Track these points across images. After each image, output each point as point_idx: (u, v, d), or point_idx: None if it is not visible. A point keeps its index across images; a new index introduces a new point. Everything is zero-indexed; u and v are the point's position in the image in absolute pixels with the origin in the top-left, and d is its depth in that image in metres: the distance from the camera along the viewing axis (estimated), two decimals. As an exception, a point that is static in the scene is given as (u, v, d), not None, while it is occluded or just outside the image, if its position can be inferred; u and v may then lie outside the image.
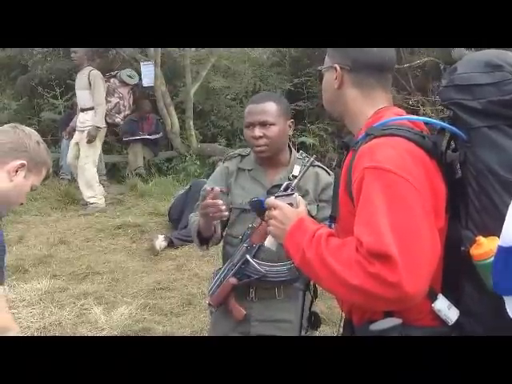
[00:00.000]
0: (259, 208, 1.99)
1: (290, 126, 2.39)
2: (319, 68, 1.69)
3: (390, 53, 1.61)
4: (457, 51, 6.93)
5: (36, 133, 1.88)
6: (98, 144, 6.89)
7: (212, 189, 2.13)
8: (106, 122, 6.93)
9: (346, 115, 1.63)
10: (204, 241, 2.34)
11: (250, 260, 2.25)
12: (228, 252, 2.39)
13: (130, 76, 7.39)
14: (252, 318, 2.34)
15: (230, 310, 2.33)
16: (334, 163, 1.96)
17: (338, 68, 1.59)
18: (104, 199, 6.93)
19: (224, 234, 2.45)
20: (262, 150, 2.32)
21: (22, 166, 1.77)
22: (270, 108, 2.32)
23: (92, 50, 7.12)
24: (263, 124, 2.29)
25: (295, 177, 2.25)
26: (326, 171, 2.43)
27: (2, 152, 1.76)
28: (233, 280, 2.29)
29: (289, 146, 2.45)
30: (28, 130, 1.87)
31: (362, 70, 1.57)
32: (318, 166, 2.41)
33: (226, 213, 2.17)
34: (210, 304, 2.44)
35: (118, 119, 7.22)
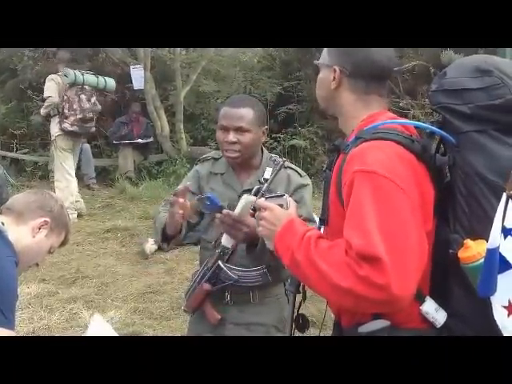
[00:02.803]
0: (212, 205, 2.09)
1: (263, 133, 2.34)
2: (316, 62, 1.67)
3: (390, 60, 1.60)
4: (446, 55, 6.98)
5: (61, 198, 2.08)
6: (62, 154, 6.55)
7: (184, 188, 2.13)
8: (62, 130, 6.46)
9: (340, 116, 1.63)
10: (166, 238, 2.30)
11: (223, 266, 2.23)
12: (204, 256, 2.37)
13: (65, 75, 6.51)
14: (227, 321, 2.32)
15: (205, 315, 2.31)
16: (325, 166, 1.95)
17: (338, 70, 1.58)
18: (76, 214, 6.52)
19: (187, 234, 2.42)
20: (233, 156, 2.28)
21: (46, 223, 1.88)
22: (246, 114, 2.26)
23: (71, 54, 6.93)
24: (238, 130, 2.25)
25: (266, 180, 2.23)
26: (298, 173, 2.39)
27: (29, 209, 1.88)
28: (206, 286, 2.25)
29: (261, 148, 2.41)
30: (54, 194, 2.09)
31: (361, 77, 1.57)
32: (290, 168, 2.37)
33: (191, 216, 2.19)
34: (185, 310, 2.42)
35: (66, 124, 6.42)
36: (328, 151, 7.71)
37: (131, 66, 8.22)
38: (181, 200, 2.10)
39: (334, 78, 1.58)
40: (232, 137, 2.25)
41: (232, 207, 2.27)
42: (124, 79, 8.66)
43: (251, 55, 8.98)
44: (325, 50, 1.66)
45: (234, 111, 2.27)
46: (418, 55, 7.76)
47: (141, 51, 8.24)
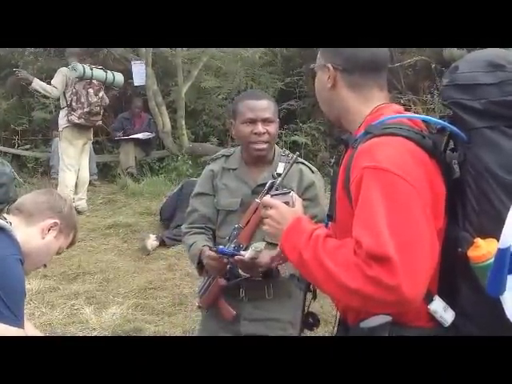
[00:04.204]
0: (224, 255, 2.17)
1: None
2: (311, 66, 1.65)
3: (382, 51, 1.58)
4: (448, 51, 6.97)
5: (70, 199, 2.06)
6: (65, 145, 6.63)
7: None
8: (68, 121, 6.52)
9: (343, 115, 1.59)
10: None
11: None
12: None
13: (73, 69, 6.53)
14: (242, 317, 2.32)
15: (219, 311, 2.31)
16: (333, 161, 1.93)
17: (331, 68, 1.55)
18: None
19: None
20: (263, 147, 2.31)
21: (55, 224, 1.88)
22: (269, 105, 2.34)
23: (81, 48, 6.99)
24: (265, 121, 2.30)
25: (279, 175, 2.25)
26: (310, 168, 2.42)
27: (39, 210, 1.88)
28: (221, 281, 2.27)
29: None
30: (63, 195, 2.09)
31: (356, 71, 1.53)
32: (302, 163, 2.40)
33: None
34: (199, 306, 2.42)
35: (73, 117, 6.49)
36: (337, 144, 7.65)
37: (132, 62, 8.18)
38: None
39: (329, 76, 1.55)
40: (261, 128, 2.29)
41: (245, 203, 2.31)
42: (126, 75, 8.64)
43: (253, 51, 8.93)
44: (318, 53, 1.63)
45: (258, 103, 2.32)
46: (420, 51, 7.74)
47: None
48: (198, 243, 2.34)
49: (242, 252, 2.15)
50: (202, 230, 2.40)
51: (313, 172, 2.41)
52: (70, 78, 6.55)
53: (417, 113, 6.58)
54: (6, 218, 1.80)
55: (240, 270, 2.23)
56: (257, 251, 2.09)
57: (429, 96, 7.37)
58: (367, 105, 1.54)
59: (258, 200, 2.21)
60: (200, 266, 2.34)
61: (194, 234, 2.40)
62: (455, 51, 6.92)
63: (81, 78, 6.52)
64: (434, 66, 7.41)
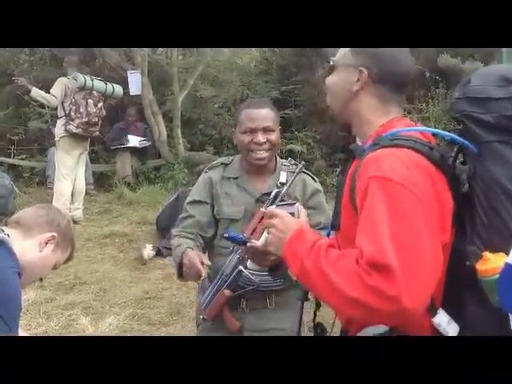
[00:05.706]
0: (234, 242, 2.08)
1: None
2: (332, 61, 1.62)
3: (413, 68, 1.60)
4: (442, 59, 7.01)
5: (69, 214, 2.07)
6: (61, 155, 6.63)
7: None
8: (66, 131, 6.54)
9: (355, 121, 1.59)
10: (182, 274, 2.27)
11: (244, 271, 2.21)
12: (218, 262, 2.34)
13: (74, 78, 6.58)
14: (244, 328, 2.31)
15: (224, 322, 2.28)
16: (338, 170, 1.93)
17: (366, 72, 1.54)
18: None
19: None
20: (263, 156, 2.30)
21: (53, 238, 1.91)
22: (270, 114, 2.33)
23: (79, 58, 6.99)
24: (266, 130, 2.29)
25: (283, 184, 2.25)
26: (313, 178, 2.44)
27: (37, 224, 1.91)
28: (227, 292, 2.23)
29: None
30: (62, 210, 2.14)
31: (387, 83, 1.54)
32: (305, 173, 2.41)
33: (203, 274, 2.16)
34: (204, 318, 2.34)
35: (72, 126, 6.49)
36: (333, 152, 7.63)
37: (128, 72, 8.18)
38: (201, 272, 2.11)
39: (358, 79, 1.54)
40: (261, 137, 2.28)
41: (248, 212, 2.28)
42: (122, 84, 8.67)
43: (248, 60, 8.98)
44: (346, 49, 1.60)
45: (258, 112, 2.32)
46: (414, 59, 7.77)
47: (138, 56, 8.23)
48: (183, 246, 2.26)
49: (253, 240, 2.06)
50: (192, 236, 2.34)
51: (315, 181, 2.43)
52: (69, 88, 6.58)
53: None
54: (3, 231, 1.81)
55: (249, 262, 2.13)
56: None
57: (424, 104, 7.39)
58: (383, 118, 1.54)
59: (263, 209, 2.17)
60: (180, 270, 2.26)
61: (184, 237, 2.34)
62: (450, 60, 6.97)
63: (81, 89, 6.55)
64: (428, 74, 7.44)
